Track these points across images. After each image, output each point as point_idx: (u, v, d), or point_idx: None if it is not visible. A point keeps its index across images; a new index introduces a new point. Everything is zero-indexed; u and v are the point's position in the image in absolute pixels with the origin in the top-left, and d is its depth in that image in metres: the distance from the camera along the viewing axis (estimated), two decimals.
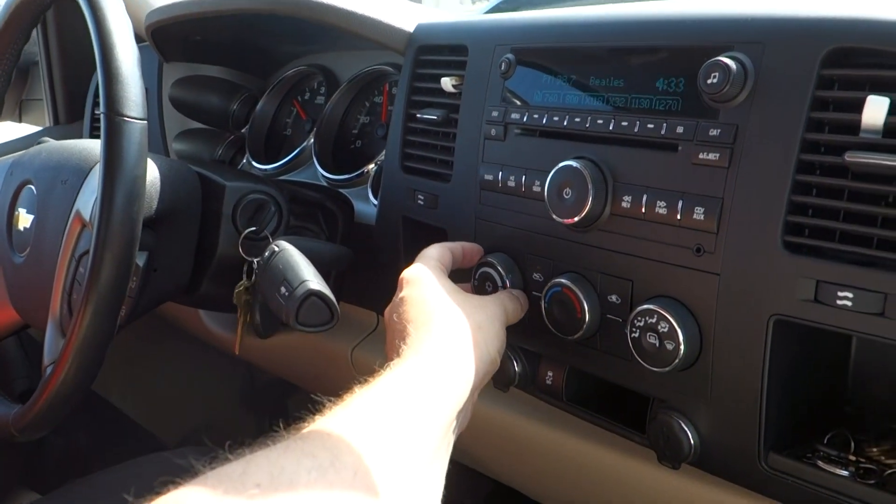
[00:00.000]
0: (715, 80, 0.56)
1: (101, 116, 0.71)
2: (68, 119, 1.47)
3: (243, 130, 1.28)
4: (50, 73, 1.44)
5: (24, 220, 0.88)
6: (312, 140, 1.12)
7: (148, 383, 1.49)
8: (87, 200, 0.79)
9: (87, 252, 0.76)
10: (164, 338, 1.55)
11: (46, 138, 1.01)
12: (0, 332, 0.96)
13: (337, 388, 1.12)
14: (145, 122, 0.71)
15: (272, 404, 1.76)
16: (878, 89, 0.51)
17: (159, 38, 1.18)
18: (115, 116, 0.70)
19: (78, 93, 1.41)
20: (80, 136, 1.36)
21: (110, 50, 0.71)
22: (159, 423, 1.49)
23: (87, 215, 0.78)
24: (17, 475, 1.13)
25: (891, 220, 0.50)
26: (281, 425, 1.53)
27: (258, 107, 1.25)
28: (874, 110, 0.50)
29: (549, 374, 0.74)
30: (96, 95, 1.34)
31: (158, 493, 0.51)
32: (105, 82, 0.71)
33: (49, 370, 0.78)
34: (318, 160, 1.10)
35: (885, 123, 0.50)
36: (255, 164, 1.20)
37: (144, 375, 1.43)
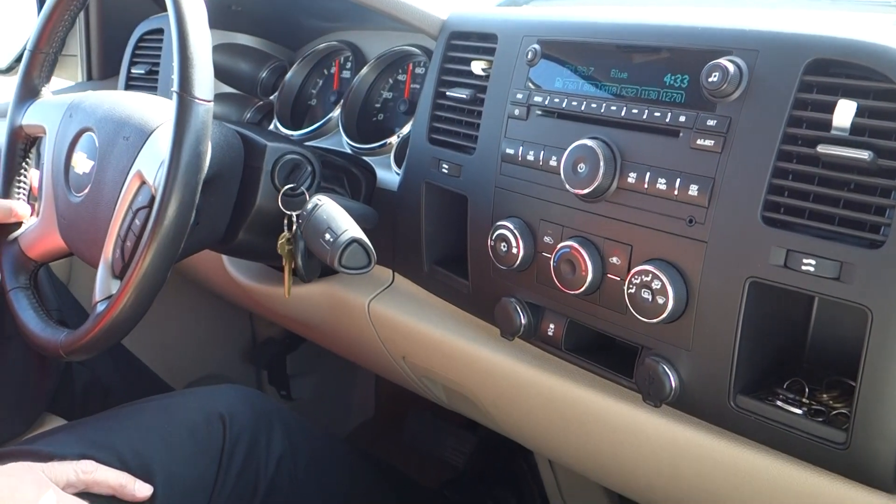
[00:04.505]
0: (715, 79, 0.67)
1: (175, 95, 0.81)
2: (101, 75, 1.55)
3: (271, 97, 1.37)
4: (87, 29, 1.52)
5: (84, 164, 0.97)
6: (339, 111, 1.22)
7: (157, 331, 1.58)
8: (150, 162, 0.88)
9: (144, 207, 0.86)
10: (175, 290, 1.64)
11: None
12: (47, 257, 1.05)
13: (353, 338, 1.23)
14: (212, 103, 0.81)
15: (271, 360, 1.86)
16: (848, 95, 0.62)
17: None
18: (187, 97, 0.80)
19: (113, 50, 1.48)
20: None
21: (187, 36, 0.80)
22: (165, 370, 1.58)
23: (148, 177, 0.87)
24: (46, 400, 1.22)
25: (850, 202, 0.62)
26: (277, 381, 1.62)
27: (287, 76, 1.34)
28: (844, 112, 0.61)
29: (551, 325, 0.85)
30: (133, 54, 1.42)
31: None
32: (181, 65, 0.80)
33: (100, 306, 0.87)
34: (344, 130, 1.20)
35: (852, 123, 0.61)
36: (282, 128, 1.30)
37: (155, 324, 1.52)
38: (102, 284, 0.89)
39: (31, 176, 1.10)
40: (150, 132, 0.90)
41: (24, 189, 1.09)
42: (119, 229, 0.88)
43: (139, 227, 0.86)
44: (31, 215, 1.07)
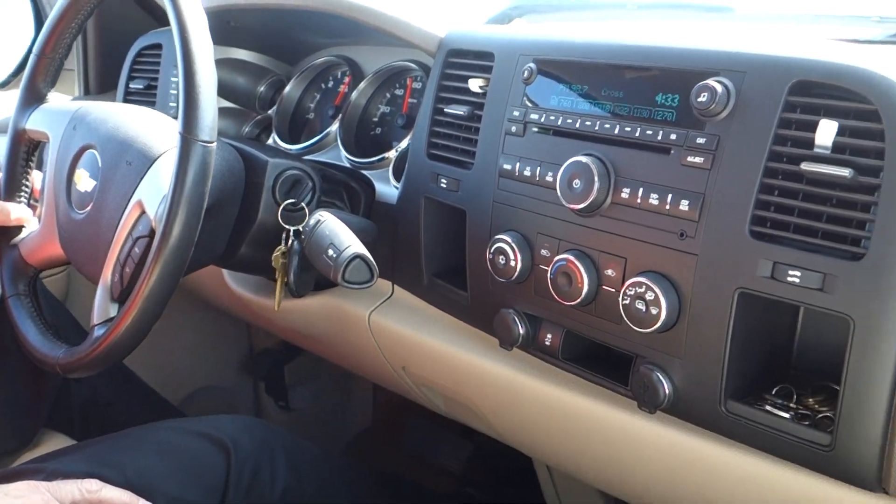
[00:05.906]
0: (704, 99, 0.70)
1: (178, 135, 0.82)
2: (99, 90, 1.57)
3: (269, 112, 1.40)
4: (85, 43, 1.53)
5: (86, 183, 0.98)
6: (337, 125, 1.25)
7: (154, 343, 1.60)
8: (151, 193, 0.89)
9: (143, 236, 0.88)
10: (172, 302, 1.66)
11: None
12: (46, 264, 1.06)
13: (353, 350, 1.25)
14: (214, 144, 0.83)
15: (268, 371, 1.88)
16: (830, 115, 0.65)
17: None
18: (191, 139, 0.82)
19: (111, 64, 1.49)
20: None
21: (193, 75, 0.82)
22: (163, 381, 1.59)
23: (149, 209, 0.88)
24: (44, 415, 1.23)
25: (833, 217, 0.65)
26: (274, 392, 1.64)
27: (286, 90, 1.37)
28: (825, 131, 0.65)
29: (549, 335, 0.88)
30: (131, 68, 1.44)
31: None
32: (186, 105, 0.82)
33: (98, 329, 0.89)
34: (342, 143, 1.23)
35: (834, 142, 0.65)
36: (281, 143, 1.32)
37: (152, 336, 1.54)
38: (101, 307, 0.91)
39: (34, 178, 1.11)
40: (153, 160, 0.91)
41: (25, 193, 1.10)
42: (119, 254, 0.89)
43: (139, 254, 0.87)
44: (34, 216, 1.08)
